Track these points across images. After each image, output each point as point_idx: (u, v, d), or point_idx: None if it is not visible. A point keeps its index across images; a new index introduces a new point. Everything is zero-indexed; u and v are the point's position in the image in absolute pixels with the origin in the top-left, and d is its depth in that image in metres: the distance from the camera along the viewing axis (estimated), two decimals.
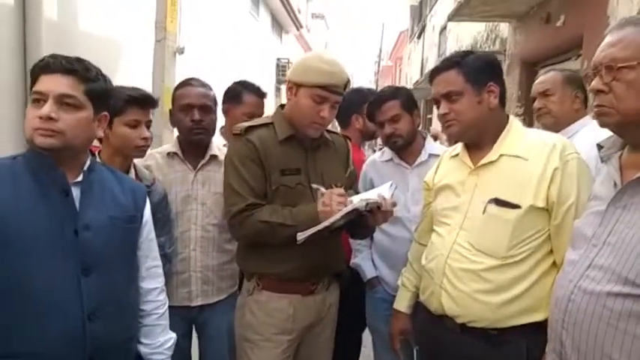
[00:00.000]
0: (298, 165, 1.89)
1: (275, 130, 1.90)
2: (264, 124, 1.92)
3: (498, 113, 1.72)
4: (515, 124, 1.74)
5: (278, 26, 15.37)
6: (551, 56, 5.73)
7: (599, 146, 1.43)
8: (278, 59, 15.09)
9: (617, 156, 1.36)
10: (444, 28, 12.01)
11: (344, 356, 2.53)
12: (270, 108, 2.30)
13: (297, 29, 16.79)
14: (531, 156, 1.61)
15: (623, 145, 1.36)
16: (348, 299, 2.43)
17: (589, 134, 2.05)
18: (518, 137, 1.69)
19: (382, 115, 2.33)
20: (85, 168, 1.45)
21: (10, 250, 1.29)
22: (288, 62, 14.70)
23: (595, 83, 1.28)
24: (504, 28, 7.26)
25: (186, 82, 2.22)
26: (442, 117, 1.73)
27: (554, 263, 1.58)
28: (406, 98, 2.34)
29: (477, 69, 1.68)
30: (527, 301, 1.57)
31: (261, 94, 2.57)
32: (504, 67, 7.19)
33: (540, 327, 1.48)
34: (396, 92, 2.37)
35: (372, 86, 18.76)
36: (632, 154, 1.32)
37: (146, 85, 4.14)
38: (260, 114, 2.46)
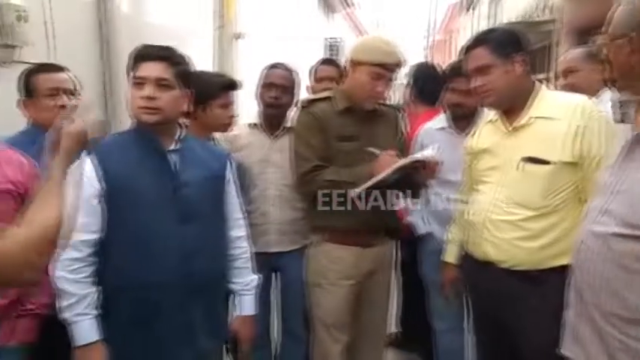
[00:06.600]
0: (354, 132, 2.15)
1: (334, 103, 2.17)
2: (325, 97, 2.21)
3: (526, 80, 1.90)
4: (542, 89, 1.92)
5: (326, 6, 15.42)
6: (600, 25, 5.65)
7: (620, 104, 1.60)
8: (327, 39, 15.17)
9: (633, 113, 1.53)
10: None
11: None
12: None
13: (344, 8, 16.74)
14: (559, 116, 1.79)
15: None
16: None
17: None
18: (546, 100, 1.87)
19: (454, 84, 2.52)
20: (179, 137, 1.74)
21: (126, 206, 1.61)
22: (339, 41, 14.76)
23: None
24: None
25: (273, 65, 2.54)
26: (479, 89, 1.92)
27: None
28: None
29: (502, 43, 1.88)
30: (561, 246, 1.74)
31: (330, 62, 3.11)
32: (555, 36, 7.12)
33: None
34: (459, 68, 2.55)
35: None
36: None
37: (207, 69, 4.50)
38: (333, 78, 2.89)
